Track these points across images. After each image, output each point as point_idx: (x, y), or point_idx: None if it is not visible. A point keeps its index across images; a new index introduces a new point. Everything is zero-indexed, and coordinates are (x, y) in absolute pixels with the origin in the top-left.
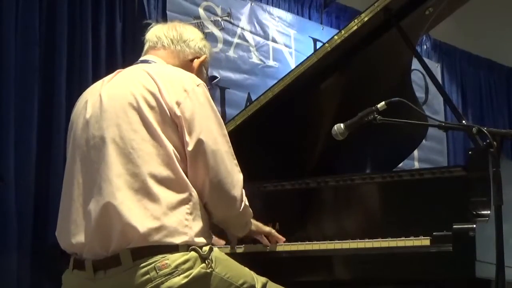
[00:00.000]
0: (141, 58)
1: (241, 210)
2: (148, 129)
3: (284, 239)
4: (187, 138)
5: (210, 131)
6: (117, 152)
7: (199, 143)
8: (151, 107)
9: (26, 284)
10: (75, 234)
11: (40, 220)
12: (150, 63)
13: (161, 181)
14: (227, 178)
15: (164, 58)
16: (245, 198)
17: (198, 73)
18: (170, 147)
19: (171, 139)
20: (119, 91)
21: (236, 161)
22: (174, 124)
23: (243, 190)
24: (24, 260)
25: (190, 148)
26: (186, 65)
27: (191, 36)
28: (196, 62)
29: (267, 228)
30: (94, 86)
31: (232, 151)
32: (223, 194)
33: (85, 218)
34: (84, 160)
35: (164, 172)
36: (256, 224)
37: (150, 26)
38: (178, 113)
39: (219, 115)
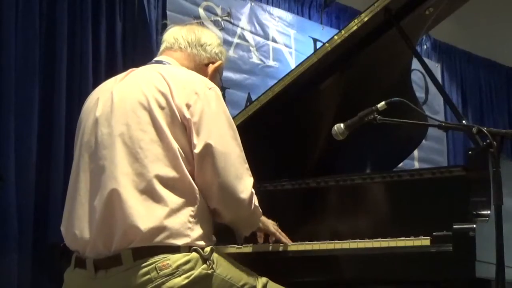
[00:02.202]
0: (156, 58)
1: (251, 211)
2: (157, 129)
3: (290, 241)
4: (195, 140)
5: (220, 134)
6: (124, 151)
7: (207, 145)
8: (161, 108)
9: (26, 284)
10: (80, 230)
11: (40, 220)
12: (164, 64)
13: (167, 182)
14: (235, 181)
15: (179, 60)
16: (255, 199)
17: (212, 78)
18: (178, 149)
19: (179, 141)
20: (131, 91)
21: (247, 165)
22: (183, 126)
23: (253, 191)
24: (24, 260)
25: (197, 150)
26: (201, 69)
27: (209, 40)
28: (211, 67)
29: (272, 229)
30: (106, 83)
31: (244, 155)
32: (231, 197)
33: (90, 215)
34: (92, 157)
35: (170, 173)
36: (263, 222)
37: (169, 27)
38: (187, 115)
39: (231, 119)
